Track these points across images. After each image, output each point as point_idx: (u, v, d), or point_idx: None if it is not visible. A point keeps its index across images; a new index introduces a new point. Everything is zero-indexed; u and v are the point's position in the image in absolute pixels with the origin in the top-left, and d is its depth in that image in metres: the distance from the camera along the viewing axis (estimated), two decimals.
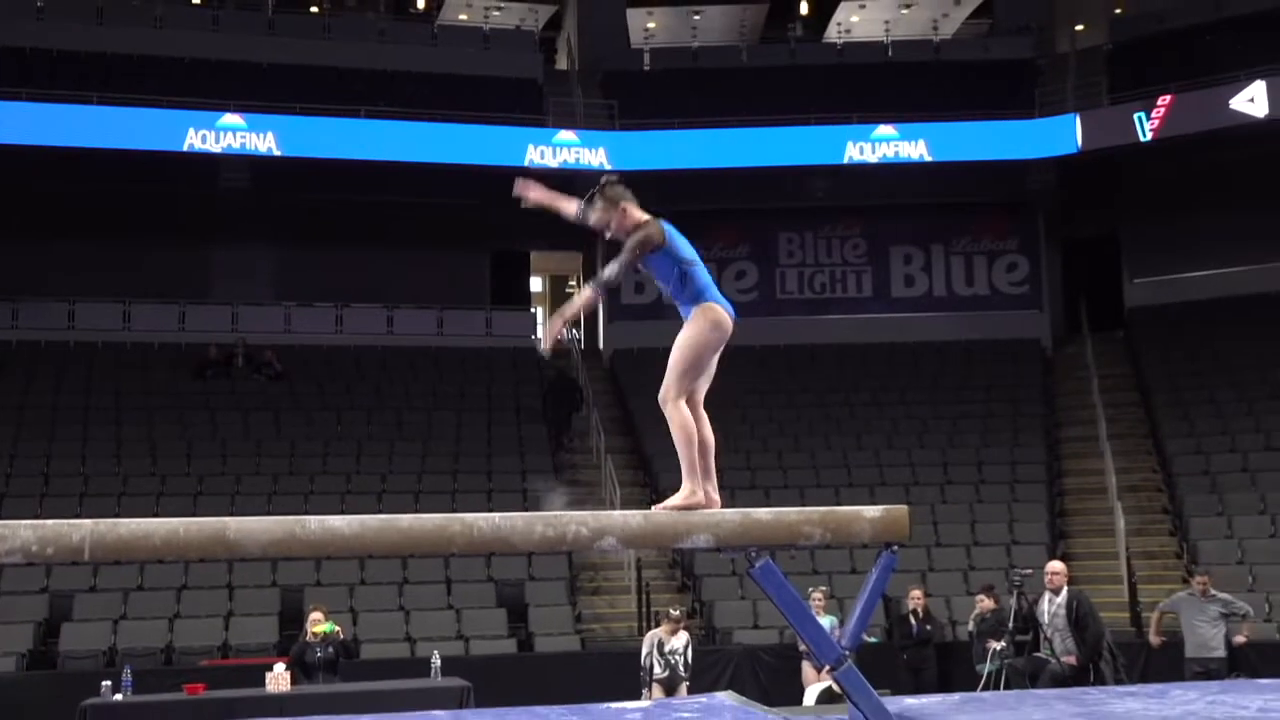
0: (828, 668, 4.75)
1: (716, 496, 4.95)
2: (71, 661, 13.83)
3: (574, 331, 23.83)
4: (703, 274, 5.01)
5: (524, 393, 20.76)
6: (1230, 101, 20.15)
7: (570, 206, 5.17)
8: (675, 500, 4.90)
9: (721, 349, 5.03)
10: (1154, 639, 12.56)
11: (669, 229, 5.01)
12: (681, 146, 21.33)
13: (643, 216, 5.05)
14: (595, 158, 21.01)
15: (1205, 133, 20.21)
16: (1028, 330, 22.47)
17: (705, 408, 5.05)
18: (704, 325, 4.93)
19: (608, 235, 5.09)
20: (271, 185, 20.65)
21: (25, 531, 4.30)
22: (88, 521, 4.33)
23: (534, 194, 5.20)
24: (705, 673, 13.22)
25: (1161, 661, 12.49)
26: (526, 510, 15.29)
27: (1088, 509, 18.53)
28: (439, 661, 11.70)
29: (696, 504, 4.85)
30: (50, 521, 4.26)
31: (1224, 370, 20.28)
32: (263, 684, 10.85)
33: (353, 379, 20.53)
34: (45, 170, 19.56)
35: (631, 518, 4.87)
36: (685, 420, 4.91)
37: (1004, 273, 22.91)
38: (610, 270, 5.00)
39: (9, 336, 20.19)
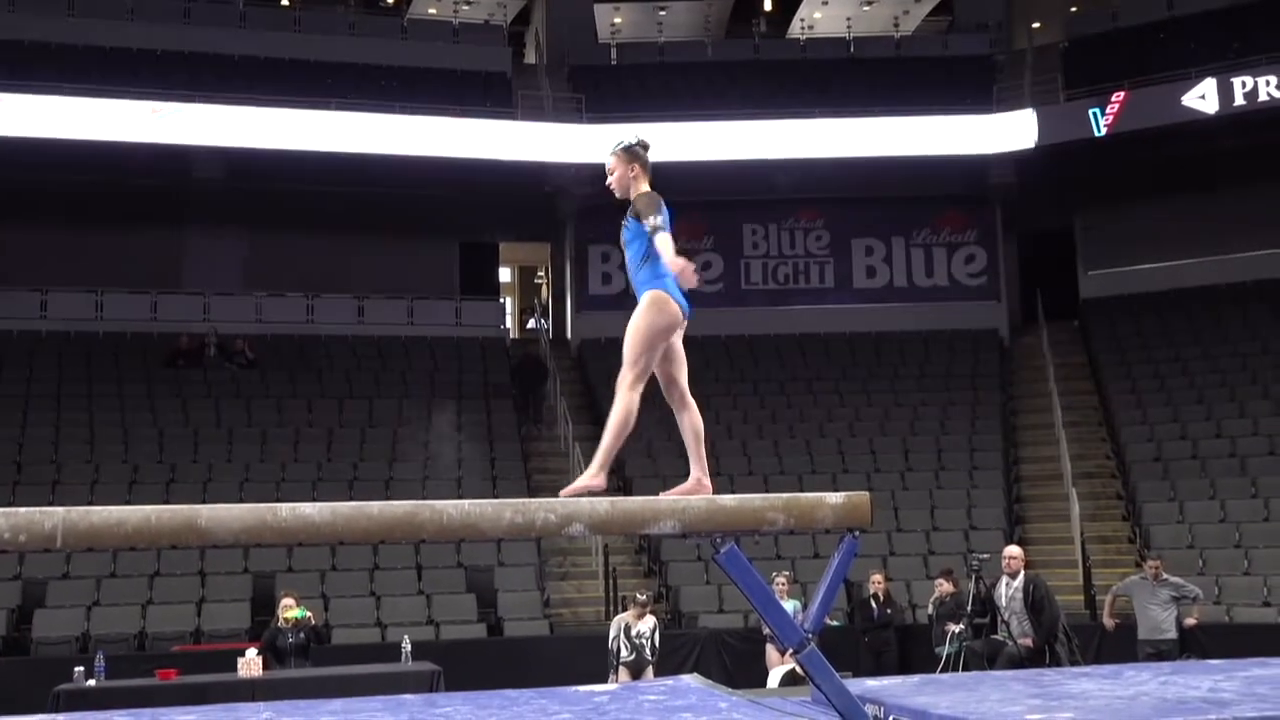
0: (791, 651, 4.76)
1: (708, 482, 5.06)
2: (45, 648, 13.72)
3: (543, 321, 23.83)
4: (659, 259, 4.99)
5: (493, 382, 20.70)
6: (1182, 98, 20.31)
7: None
8: (684, 487, 5.01)
9: (676, 335, 5.05)
10: (1108, 621, 12.67)
11: (665, 210, 5.01)
12: (648, 139, 21.25)
13: (648, 188, 5.10)
14: (563, 151, 20.92)
15: (1158, 128, 20.37)
16: (986, 320, 22.59)
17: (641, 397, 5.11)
18: (653, 313, 4.95)
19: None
20: (242, 176, 20.47)
21: None
22: (60, 509, 4.28)
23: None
24: (671, 656, 13.26)
25: (1115, 643, 12.59)
26: (496, 497, 15.31)
27: (1043, 495, 18.67)
28: (409, 646, 11.68)
29: (594, 488, 4.91)
30: (22, 509, 4.21)
31: (1175, 359, 20.47)
32: (235, 669, 10.81)
33: (324, 368, 20.41)
34: (15, 160, 19.29)
35: (599, 504, 4.86)
36: (629, 408, 4.97)
37: (963, 264, 23.02)
38: (655, 220, 4.92)
39: None
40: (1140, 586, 12.38)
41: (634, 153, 5.15)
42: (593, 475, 4.98)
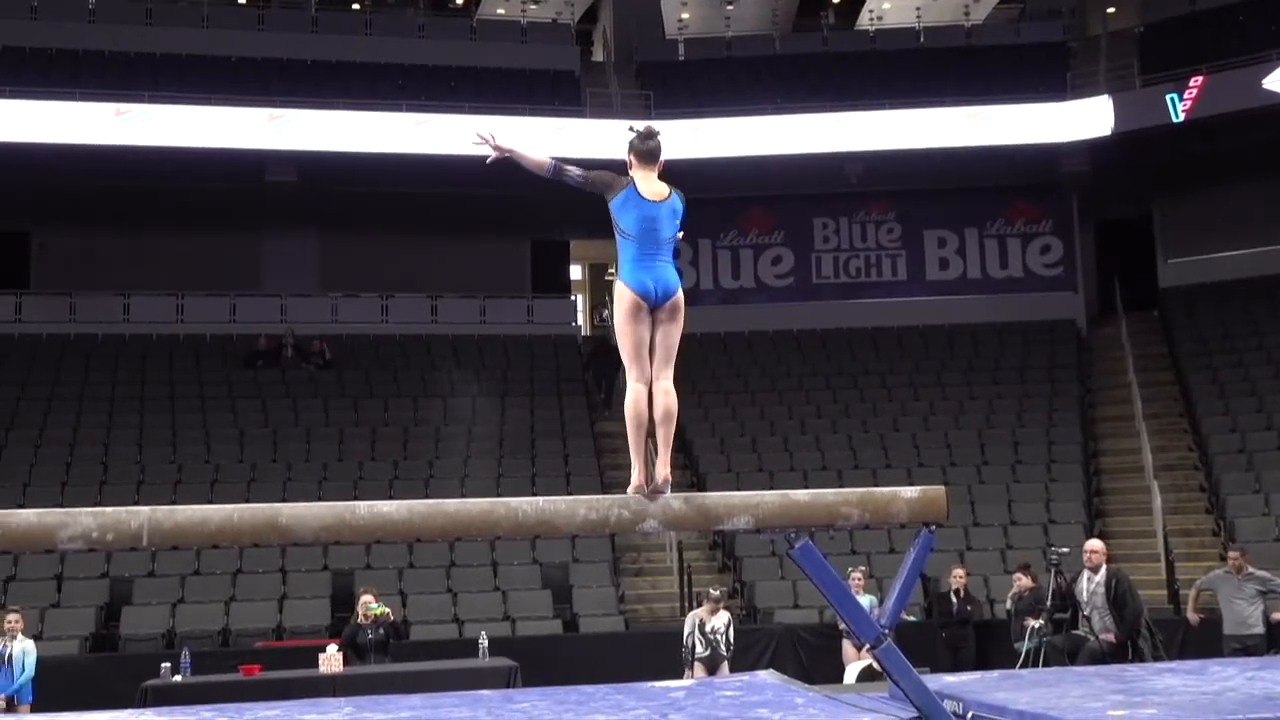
0: (867, 646, 4.74)
1: (664, 472, 4.93)
2: (132, 644, 14.01)
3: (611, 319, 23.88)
4: (629, 248, 5.09)
5: (565, 379, 20.80)
6: (1263, 81, 19.84)
7: (539, 159, 5.19)
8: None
9: (647, 323, 5.07)
10: (1191, 616, 12.42)
11: (626, 198, 5.09)
12: (717, 134, 21.24)
13: (632, 174, 5.23)
14: None
15: (1238, 113, 19.90)
16: (1062, 311, 22.27)
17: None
18: (615, 307, 5.06)
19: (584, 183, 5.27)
20: (316, 179, 20.73)
21: (86, 519, 4.35)
22: (145, 509, 4.38)
23: (498, 143, 5.22)
24: (746, 652, 13.23)
25: (1200, 639, 12.37)
26: (570, 494, 15.37)
27: (1124, 488, 18.38)
28: (486, 642, 11.77)
29: (636, 488, 4.89)
30: (110, 509, 4.32)
31: (1259, 348, 20.03)
32: (316, 665, 10.96)
33: (399, 367, 20.63)
34: (101, 168, 19.69)
35: (673, 500, 4.87)
36: (631, 402, 5.00)
37: (1038, 254, 22.71)
38: (575, 170, 5.16)
39: (66, 330, 20.44)
40: (1225, 580, 12.13)
41: (630, 145, 5.27)
42: (634, 478, 4.96)
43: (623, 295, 5.05)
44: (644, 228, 5.07)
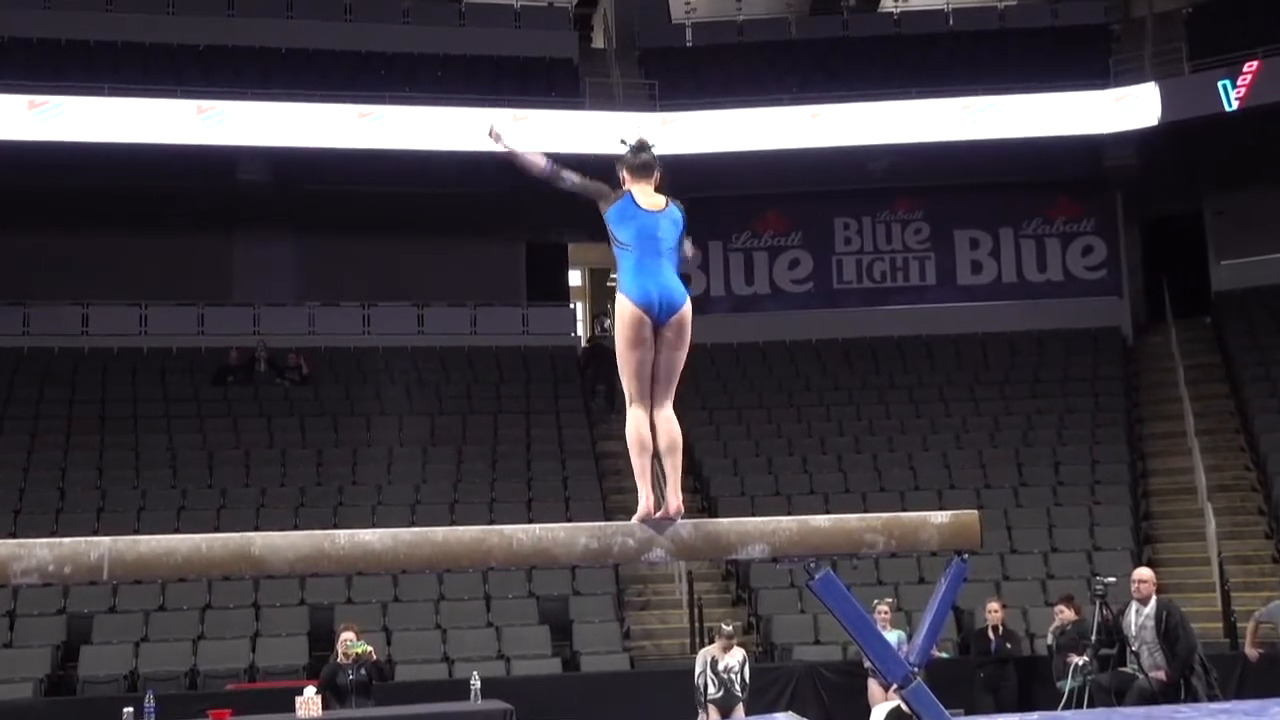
0: (895, 686, 4.74)
1: (675, 502, 4.98)
2: (91, 687, 13.99)
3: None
4: (627, 259, 5.19)
5: (564, 394, 20.82)
6: None
7: (538, 161, 5.31)
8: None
9: (650, 342, 5.13)
10: (1250, 651, 12.39)
11: (623, 209, 5.24)
12: (727, 127, 21.27)
13: (628, 188, 5.39)
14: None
15: None
16: (1107, 318, 22.27)
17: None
18: (616, 323, 5.14)
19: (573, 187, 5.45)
20: (292, 178, 20.78)
21: (41, 550, 4.36)
22: (106, 539, 4.39)
23: (505, 141, 5.36)
24: (763, 692, 13.21)
25: (1259, 676, 12.33)
26: (570, 520, 15.37)
27: (1176, 511, 18.35)
28: (479, 683, 11.75)
29: (644, 515, 4.95)
30: (67, 539, 4.32)
31: None
32: (292, 708, 10.93)
33: (382, 382, 20.64)
34: (49, 166, 19.74)
35: (681, 527, 4.87)
36: (631, 427, 5.09)
37: (1079, 256, 22.72)
38: (572, 175, 5.33)
39: (20, 343, 20.48)
40: None
41: (621, 160, 5.44)
42: (642, 505, 5.01)
43: (624, 309, 5.10)
44: (644, 237, 5.17)
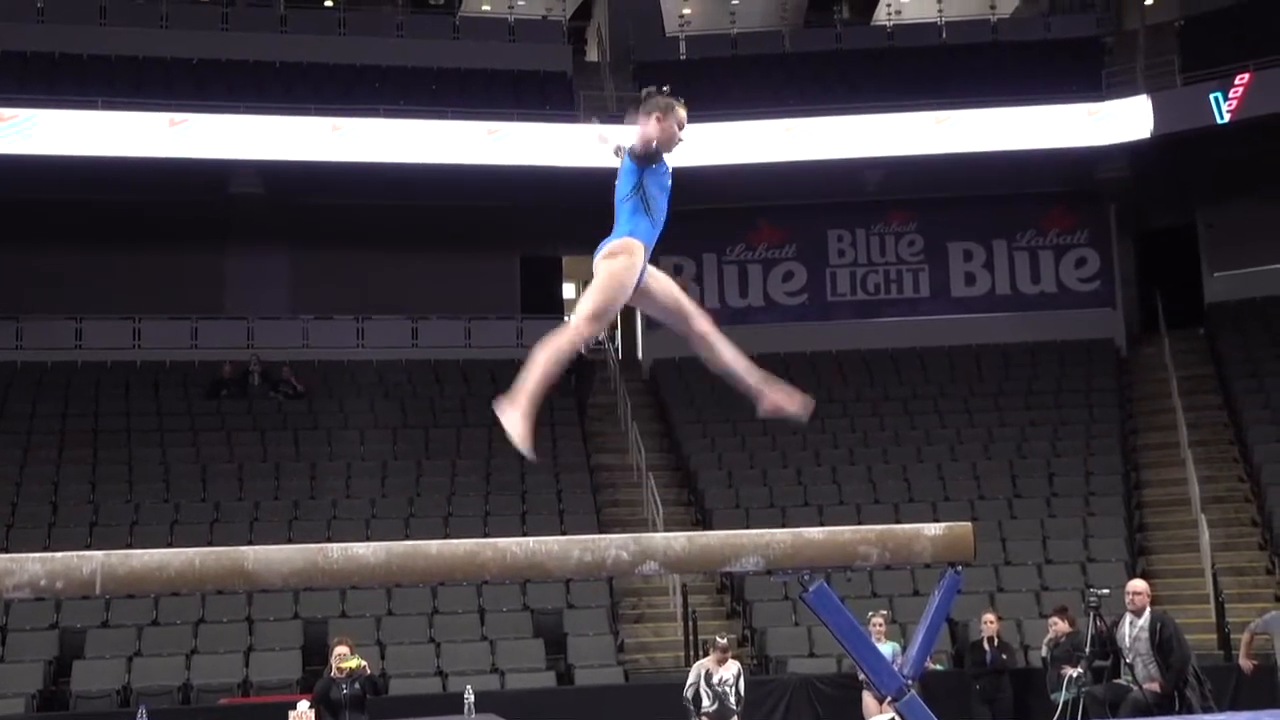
0: (889, 698, 4.73)
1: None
2: (84, 702, 13.97)
3: (609, 342, 23.89)
4: (641, 221, 5.18)
5: (560, 407, 20.78)
6: None
7: (649, 132, 5.31)
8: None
9: (657, 282, 5.17)
10: (1245, 663, 12.39)
11: (660, 169, 5.24)
12: (721, 139, 21.28)
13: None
14: None
15: None
16: (1100, 330, 22.29)
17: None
18: (614, 259, 5.10)
19: (653, 145, 5.28)
20: (285, 192, 20.78)
21: (33, 565, 4.35)
22: (99, 553, 4.38)
23: (614, 141, 5.41)
24: (758, 705, 13.22)
25: (1253, 687, 12.34)
26: (564, 533, 15.34)
27: (1169, 522, 18.37)
28: (472, 697, 11.72)
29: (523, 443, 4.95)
30: (59, 554, 4.31)
31: None
32: None
33: (376, 396, 20.63)
34: (42, 180, 19.74)
35: (675, 540, 4.87)
36: (565, 340, 5.16)
37: (1073, 268, 22.75)
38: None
39: (13, 357, 20.44)
40: None
41: (660, 105, 5.38)
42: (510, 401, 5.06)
43: (635, 247, 5.04)
44: (656, 201, 5.15)
